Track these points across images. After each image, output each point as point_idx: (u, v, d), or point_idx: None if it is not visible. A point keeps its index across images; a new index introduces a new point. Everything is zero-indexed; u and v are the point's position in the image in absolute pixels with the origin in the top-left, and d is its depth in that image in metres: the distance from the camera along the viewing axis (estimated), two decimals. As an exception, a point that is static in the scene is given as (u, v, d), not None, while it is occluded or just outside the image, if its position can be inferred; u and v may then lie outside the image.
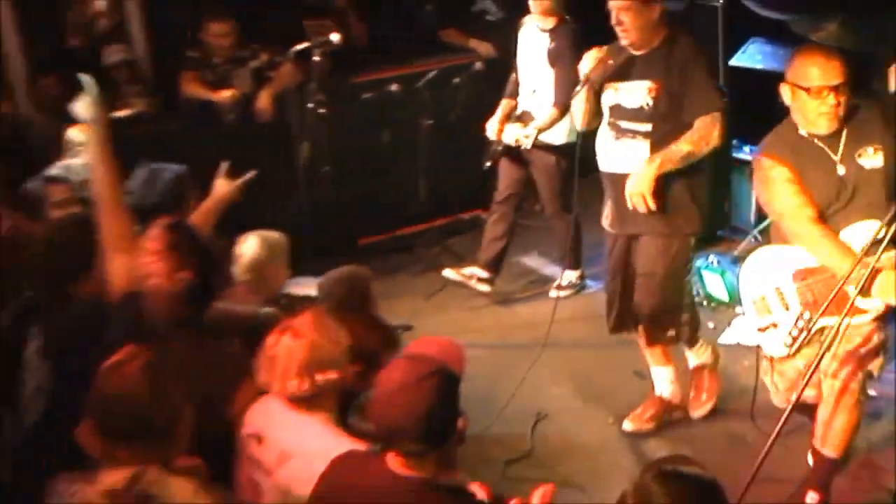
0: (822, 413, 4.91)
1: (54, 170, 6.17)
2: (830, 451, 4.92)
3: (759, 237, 7.45)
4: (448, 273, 7.59)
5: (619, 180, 5.53)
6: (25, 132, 7.63)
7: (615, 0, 5.28)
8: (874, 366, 4.79)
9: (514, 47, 7.26)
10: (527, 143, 6.96)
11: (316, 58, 6.93)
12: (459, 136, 7.72)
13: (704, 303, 7.19)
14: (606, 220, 5.80)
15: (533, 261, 7.96)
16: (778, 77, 7.86)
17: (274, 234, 5.47)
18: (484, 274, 7.57)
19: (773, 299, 4.79)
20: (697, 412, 6.07)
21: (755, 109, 7.80)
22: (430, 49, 8.31)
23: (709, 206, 7.88)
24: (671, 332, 5.75)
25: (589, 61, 5.38)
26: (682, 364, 6.05)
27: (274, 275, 5.33)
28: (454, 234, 8.64)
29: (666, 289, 5.67)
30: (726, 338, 6.81)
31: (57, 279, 4.58)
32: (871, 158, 4.57)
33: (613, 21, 5.34)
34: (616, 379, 6.29)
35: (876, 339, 4.74)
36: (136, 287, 4.12)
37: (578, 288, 7.54)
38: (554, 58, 6.93)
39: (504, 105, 7.23)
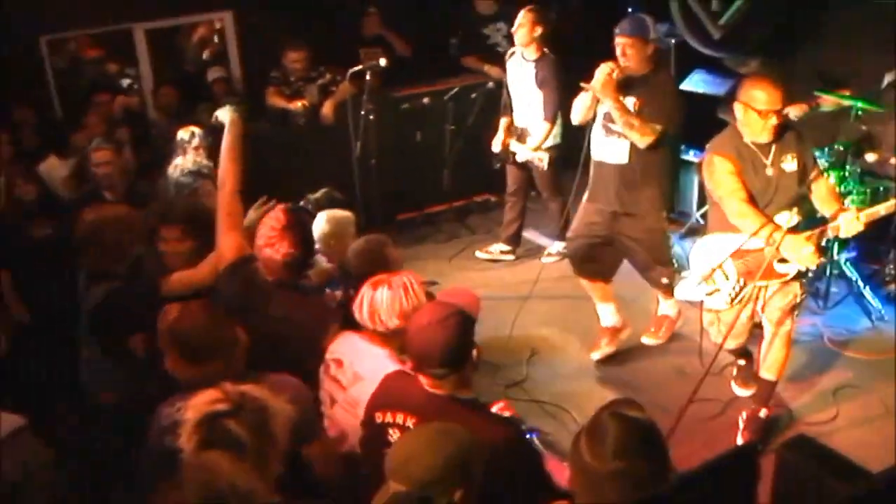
0: (764, 348, 5.05)
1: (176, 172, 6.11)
2: (771, 375, 5.07)
3: (700, 219, 7.42)
4: (480, 254, 7.61)
5: (608, 168, 5.64)
6: (151, 128, 7.64)
7: (623, 38, 5.36)
8: (799, 309, 5.00)
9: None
10: (543, 165, 6.97)
11: (368, 77, 6.91)
12: (475, 138, 7.69)
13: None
14: (591, 195, 5.81)
15: (529, 234, 7.93)
16: (715, 98, 7.92)
17: (340, 212, 5.41)
18: (507, 247, 7.63)
19: (717, 274, 4.82)
20: (649, 341, 6.15)
21: (698, 122, 7.81)
22: (455, 71, 8.28)
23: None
24: (665, 280, 5.84)
25: (601, 74, 5.30)
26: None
27: (341, 244, 5.19)
28: (469, 213, 8.60)
29: (660, 250, 5.83)
30: (680, 295, 6.78)
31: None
32: (790, 164, 4.66)
33: (619, 52, 5.38)
34: (590, 322, 6.24)
35: (801, 295, 4.91)
36: (243, 258, 4.15)
37: (564, 255, 7.49)
38: (541, 82, 6.86)
39: (503, 123, 7.17)
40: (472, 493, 2.71)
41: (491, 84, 7.68)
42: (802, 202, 4.72)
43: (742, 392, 5.45)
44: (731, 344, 5.19)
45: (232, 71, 8.37)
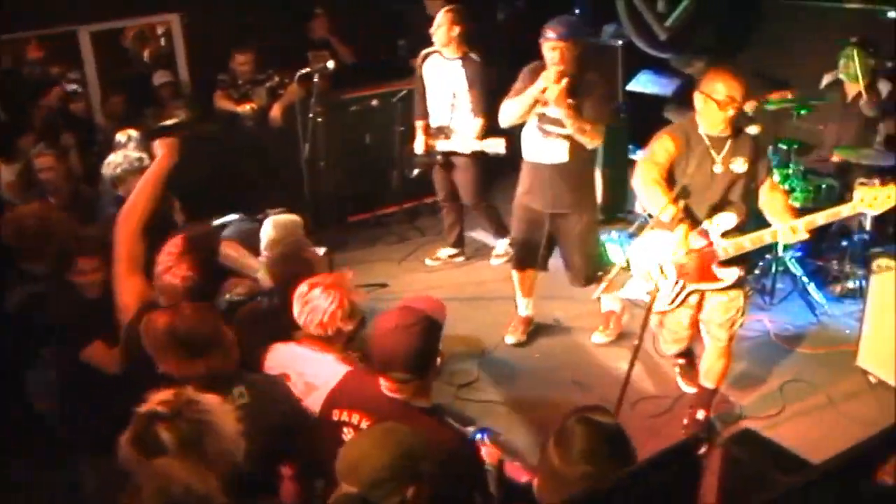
0: (705, 358, 5.07)
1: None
2: (709, 383, 5.09)
3: (649, 218, 7.48)
4: (429, 262, 7.57)
5: (544, 168, 5.68)
6: (97, 133, 7.56)
7: (561, 42, 5.33)
8: (738, 325, 4.94)
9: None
10: (501, 150, 6.74)
11: (316, 79, 6.88)
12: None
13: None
14: (526, 197, 5.86)
15: (476, 234, 7.95)
16: (662, 99, 8.00)
17: (286, 217, 5.26)
18: (454, 251, 7.62)
19: (656, 272, 4.83)
20: (600, 339, 6.21)
21: (645, 122, 7.90)
22: (403, 73, 8.26)
23: (611, 195, 8.05)
24: (599, 274, 5.83)
25: (554, 85, 5.30)
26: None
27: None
28: (419, 214, 8.60)
29: (594, 248, 5.94)
30: (624, 293, 6.85)
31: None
32: (740, 166, 4.61)
33: (556, 57, 5.35)
34: (540, 322, 6.33)
35: (741, 309, 4.87)
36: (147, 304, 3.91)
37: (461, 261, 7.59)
38: (471, 82, 6.79)
39: (421, 125, 7.08)
40: (425, 491, 2.72)
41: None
42: (747, 206, 4.68)
43: (688, 388, 5.50)
44: (673, 349, 5.29)
45: (179, 74, 8.30)
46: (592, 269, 5.92)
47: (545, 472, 2.67)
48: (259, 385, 3.42)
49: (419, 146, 7.09)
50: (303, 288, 3.85)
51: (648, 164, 4.64)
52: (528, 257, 6.03)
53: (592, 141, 5.49)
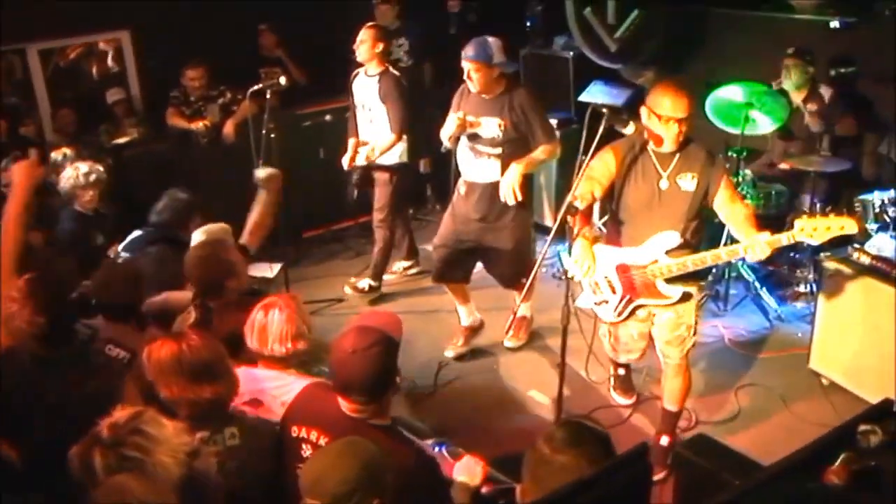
0: (664, 381, 5.01)
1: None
2: (672, 406, 5.01)
3: (602, 228, 7.52)
4: (388, 277, 7.51)
5: (477, 186, 5.83)
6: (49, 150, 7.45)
7: (467, 62, 5.47)
8: (694, 340, 4.88)
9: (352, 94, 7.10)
10: (374, 156, 6.82)
11: (268, 95, 6.87)
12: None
13: (562, 276, 7.19)
14: (457, 209, 5.98)
15: (429, 246, 7.97)
16: (612, 109, 8.02)
17: (215, 226, 5.24)
18: (408, 262, 7.66)
19: (604, 284, 4.84)
20: (511, 344, 6.29)
21: (596, 133, 7.95)
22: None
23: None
24: (523, 280, 5.68)
25: (451, 123, 5.62)
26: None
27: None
28: (375, 229, 8.59)
29: (524, 261, 5.84)
30: (580, 302, 6.86)
31: None
32: (688, 182, 4.50)
33: (466, 75, 5.53)
34: (495, 334, 6.28)
35: (692, 328, 4.82)
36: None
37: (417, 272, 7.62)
38: (384, 96, 6.80)
39: (352, 143, 7.06)
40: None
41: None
42: (693, 224, 4.59)
43: (622, 400, 5.61)
44: (623, 359, 5.30)
45: (131, 91, 8.24)
46: (518, 277, 5.89)
47: (531, 464, 2.70)
48: (252, 431, 3.37)
49: (345, 163, 7.02)
50: (256, 312, 3.83)
51: (583, 180, 4.46)
52: (449, 271, 6.14)
53: (553, 156, 5.72)
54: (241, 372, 3.80)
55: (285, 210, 7.30)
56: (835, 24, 6.50)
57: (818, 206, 6.12)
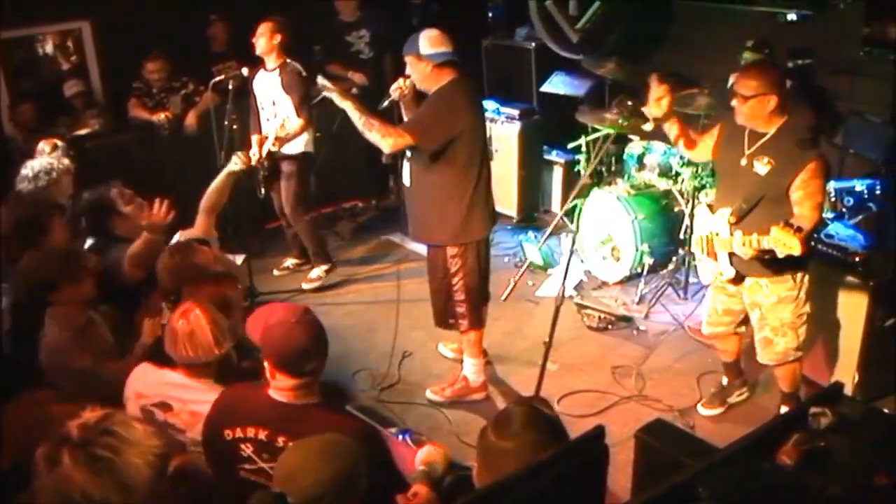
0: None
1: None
2: (785, 387, 5.10)
3: (564, 218, 7.60)
4: (277, 272, 7.59)
5: (407, 192, 5.51)
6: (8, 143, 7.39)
7: (406, 56, 5.16)
8: (787, 341, 4.82)
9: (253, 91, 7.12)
10: (282, 133, 6.79)
11: (230, 86, 6.88)
12: (340, 144, 7.71)
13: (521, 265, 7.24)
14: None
15: (395, 237, 8.01)
16: (574, 100, 8.12)
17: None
18: (299, 261, 7.64)
19: (700, 244, 4.88)
20: (432, 397, 5.73)
21: (558, 123, 8.04)
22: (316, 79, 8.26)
23: (527, 196, 8.14)
24: (451, 321, 5.57)
25: (393, 86, 5.20)
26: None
27: None
28: (338, 219, 8.68)
29: (441, 289, 5.51)
30: (541, 292, 6.97)
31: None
32: (762, 166, 4.50)
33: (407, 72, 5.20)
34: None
35: (780, 328, 4.79)
36: None
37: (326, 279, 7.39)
38: (287, 87, 6.87)
39: (256, 139, 7.03)
40: None
41: (354, 90, 7.71)
42: (759, 207, 4.53)
43: (704, 411, 5.43)
44: (706, 330, 5.28)
45: (92, 82, 8.18)
46: (444, 313, 5.58)
47: (482, 451, 2.73)
48: None
49: (253, 157, 6.82)
50: (175, 319, 3.80)
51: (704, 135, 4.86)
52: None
53: (382, 140, 5.01)
54: (151, 370, 3.84)
55: (247, 202, 7.35)
56: (792, 16, 6.60)
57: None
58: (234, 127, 6.93)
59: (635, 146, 7.31)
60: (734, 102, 4.52)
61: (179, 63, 7.95)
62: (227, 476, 3.28)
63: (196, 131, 7.77)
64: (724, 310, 5.05)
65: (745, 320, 5.05)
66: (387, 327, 6.38)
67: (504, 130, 8.10)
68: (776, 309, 4.74)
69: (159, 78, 7.86)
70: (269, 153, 6.85)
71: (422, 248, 7.24)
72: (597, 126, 7.26)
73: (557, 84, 8.17)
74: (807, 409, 2.80)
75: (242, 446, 3.28)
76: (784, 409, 5.05)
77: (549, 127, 8.11)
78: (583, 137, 7.52)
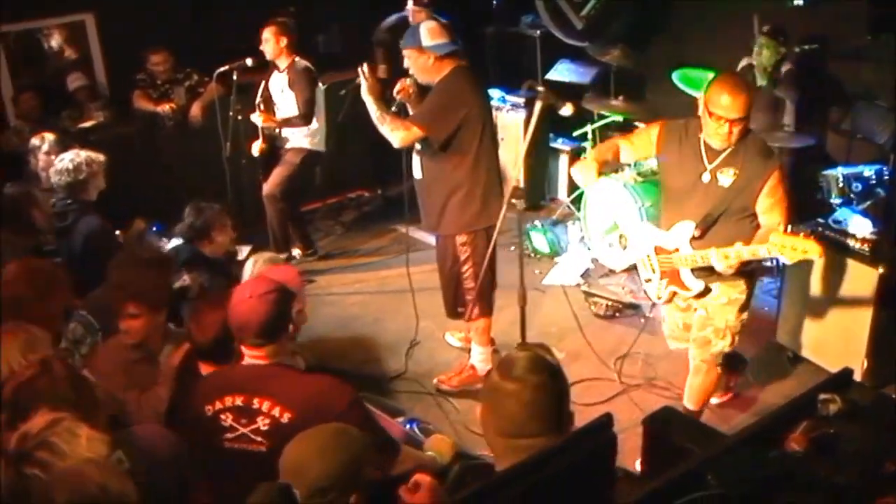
0: (688, 379, 4.96)
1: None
2: (690, 404, 4.97)
3: (570, 206, 7.59)
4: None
5: (417, 183, 5.49)
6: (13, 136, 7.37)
7: (405, 50, 5.17)
8: (725, 345, 4.74)
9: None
10: (276, 119, 7.11)
11: (235, 77, 6.89)
12: (345, 134, 7.71)
13: (532, 255, 7.28)
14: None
15: (403, 227, 8.00)
16: (579, 87, 8.10)
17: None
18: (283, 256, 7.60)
19: (646, 263, 4.74)
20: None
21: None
22: (323, 68, 8.24)
23: (533, 184, 8.12)
24: (460, 309, 5.60)
25: (396, 88, 5.25)
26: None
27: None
28: (343, 209, 8.68)
29: (451, 277, 5.56)
30: (548, 280, 6.96)
31: None
32: (727, 177, 4.33)
33: (406, 64, 5.22)
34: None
35: (722, 332, 4.68)
36: None
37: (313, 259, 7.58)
38: (291, 83, 7.03)
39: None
40: (365, 498, 2.73)
41: (360, 79, 7.67)
42: (737, 221, 4.40)
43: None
44: (672, 345, 5.17)
45: (96, 74, 8.17)
46: (453, 302, 5.64)
47: (485, 392, 2.76)
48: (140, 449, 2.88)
49: (255, 149, 7.18)
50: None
51: (617, 140, 4.66)
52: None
53: (394, 133, 5.06)
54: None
55: (254, 192, 7.35)
56: (799, 1, 6.56)
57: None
58: (239, 118, 6.94)
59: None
60: (713, 124, 4.24)
61: (184, 54, 7.94)
62: (214, 452, 3.35)
63: (201, 122, 7.77)
64: (684, 324, 4.91)
65: None
66: (393, 317, 6.38)
67: (510, 118, 8.08)
68: (724, 310, 4.63)
69: (163, 70, 7.86)
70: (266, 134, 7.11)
71: (428, 238, 7.30)
72: (603, 112, 7.24)
73: (563, 72, 8.15)
74: (816, 395, 2.78)
75: (222, 417, 3.36)
76: None
77: (555, 115, 8.08)
78: (588, 125, 7.53)
